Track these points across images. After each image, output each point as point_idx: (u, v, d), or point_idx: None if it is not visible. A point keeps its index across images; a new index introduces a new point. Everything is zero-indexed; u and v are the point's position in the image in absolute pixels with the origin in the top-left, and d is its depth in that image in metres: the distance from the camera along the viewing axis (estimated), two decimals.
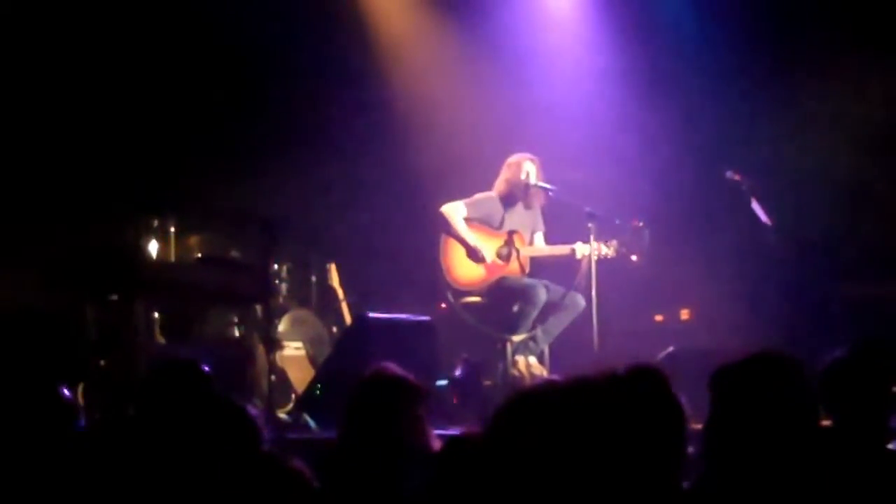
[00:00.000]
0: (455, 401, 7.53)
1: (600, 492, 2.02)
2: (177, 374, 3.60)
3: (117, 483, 3.24)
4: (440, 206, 8.19)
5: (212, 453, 3.24)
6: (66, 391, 3.59)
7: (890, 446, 3.67)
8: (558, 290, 7.99)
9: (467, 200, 8.23)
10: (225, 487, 3.16)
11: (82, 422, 4.26)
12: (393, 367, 4.55)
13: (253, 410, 3.85)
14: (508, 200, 8.27)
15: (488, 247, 8.19)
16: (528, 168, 8.18)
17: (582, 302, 7.88)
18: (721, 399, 3.14)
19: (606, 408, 2.81)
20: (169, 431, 3.32)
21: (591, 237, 7.82)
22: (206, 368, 3.66)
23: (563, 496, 1.99)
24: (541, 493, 1.98)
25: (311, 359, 8.32)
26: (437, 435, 4.79)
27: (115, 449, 3.39)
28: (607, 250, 7.89)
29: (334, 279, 8.88)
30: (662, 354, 7.29)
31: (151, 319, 7.63)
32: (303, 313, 8.64)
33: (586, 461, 2.02)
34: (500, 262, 8.21)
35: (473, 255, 8.13)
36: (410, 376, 4.49)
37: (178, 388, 3.54)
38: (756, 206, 7.96)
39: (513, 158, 8.27)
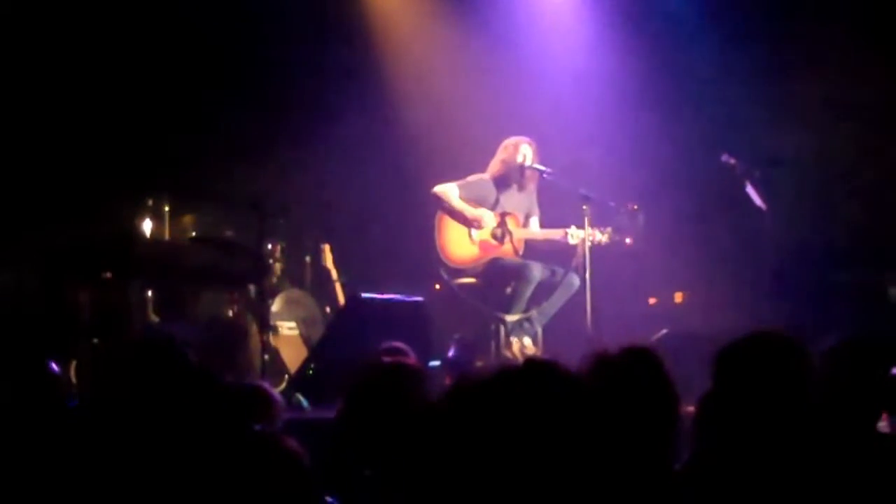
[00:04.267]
0: (448, 381, 7.52)
1: (593, 473, 2.01)
2: (153, 352, 3.57)
3: (107, 461, 3.24)
4: (432, 188, 8.19)
5: (200, 432, 3.24)
6: (55, 367, 3.59)
7: (880, 426, 3.69)
8: (554, 271, 7.99)
9: (460, 182, 8.23)
10: (217, 467, 3.16)
11: (75, 400, 4.26)
12: (399, 348, 4.55)
13: (268, 386, 3.86)
14: (503, 182, 8.26)
15: (482, 227, 8.19)
16: (524, 151, 8.17)
17: (577, 281, 7.88)
18: (725, 377, 3.16)
19: (600, 389, 2.82)
20: (154, 410, 3.31)
21: (586, 220, 7.81)
22: (183, 345, 3.62)
23: (556, 478, 1.99)
24: (534, 475, 1.98)
25: (305, 339, 8.33)
26: None
27: (106, 427, 3.38)
28: (601, 237, 7.88)
29: (328, 259, 8.88)
30: (655, 337, 7.30)
31: (145, 298, 7.63)
32: (296, 293, 8.64)
33: (579, 442, 2.02)
34: (493, 241, 8.21)
35: (475, 224, 8.11)
36: (413, 357, 4.49)
37: (155, 367, 3.52)
38: (751, 191, 7.96)
39: (510, 141, 8.26)
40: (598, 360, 3.01)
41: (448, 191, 8.17)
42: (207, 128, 8.99)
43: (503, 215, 8.24)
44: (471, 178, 8.28)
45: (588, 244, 7.74)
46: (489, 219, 8.17)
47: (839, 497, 3.12)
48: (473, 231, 8.18)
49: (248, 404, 3.84)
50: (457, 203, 8.15)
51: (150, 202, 7.88)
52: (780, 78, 9.02)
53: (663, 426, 2.97)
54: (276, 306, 8.33)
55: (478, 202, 8.22)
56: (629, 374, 3.01)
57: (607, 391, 2.88)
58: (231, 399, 3.60)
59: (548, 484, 1.97)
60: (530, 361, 2.09)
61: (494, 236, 8.21)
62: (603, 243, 7.88)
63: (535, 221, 8.39)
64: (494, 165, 8.28)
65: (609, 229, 7.89)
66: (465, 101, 9.23)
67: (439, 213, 8.18)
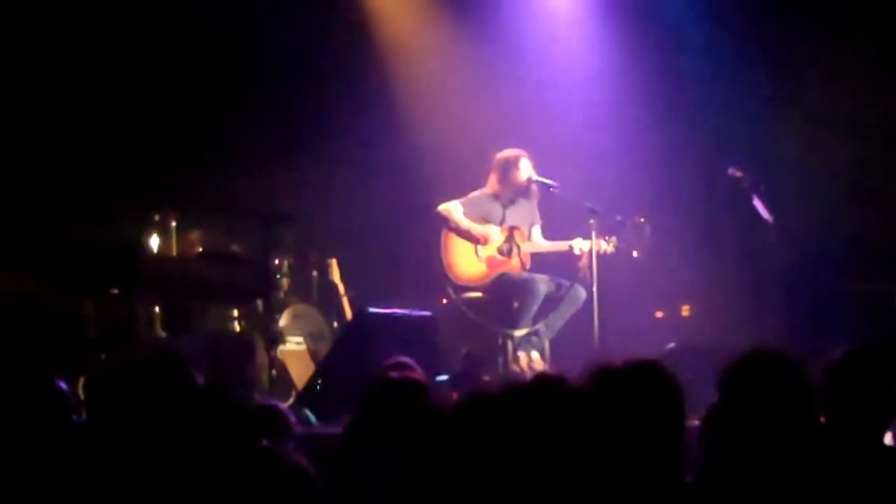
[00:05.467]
0: (455, 397, 7.51)
1: (602, 486, 2.01)
2: (160, 368, 3.56)
3: (115, 478, 3.24)
4: (437, 205, 8.18)
5: (208, 449, 3.23)
6: (62, 384, 3.58)
7: (886, 441, 3.68)
8: (560, 284, 7.99)
9: (462, 199, 8.22)
10: (225, 483, 3.16)
11: (82, 416, 4.26)
12: (406, 363, 4.54)
13: (281, 405, 3.85)
14: (507, 198, 8.25)
15: (489, 243, 8.18)
16: (525, 165, 8.15)
17: (583, 294, 7.87)
18: (730, 392, 3.16)
19: (607, 403, 2.81)
20: (161, 427, 3.30)
21: (593, 234, 7.81)
22: (190, 361, 3.60)
23: (565, 493, 1.99)
24: (542, 489, 1.98)
25: (312, 353, 8.32)
26: None
27: (114, 443, 3.38)
28: (607, 246, 7.89)
29: (335, 274, 8.88)
30: (663, 351, 7.28)
31: (152, 314, 7.63)
32: (304, 308, 8.64)
33: (588, 456, 2.02)
34: (500, 257, 8.20)
35: (482, 240, 8.11)
36: (420, 372, 4.48)
37: (162, 383, 3.50)
38: (757, 203, 7.96)
39: (508, 156, 8.20)
40: (606, 374, 3.01)
41: (452, 209, 8.16)
42: (214, 143, 9.00)
43: (511, 229, 8.23)
44: (473, 195, 8.26)
45: (594, 255, 7.74)
46: (496, 234, 8.17)
47: None
48: (480, 248, 8.17)
49: (261, 423, 3.83)
50: (463, 222, 8.14)
51: (157, 217, 7.88)
52: (787, 88, 9.02)
53: (671, 440, 2.96)
54: (283, 321, 8.34)
55: (483, 219, 8.21)
56: (637, 388, 3.00)
57: (615, 405, 2.88)
58: (241, 416, 3.59)
59: (556, 499, 1.97)
60: (539, 377, 2.09)
61: (500, 252, 8.21)
62: (609, 253, 7.88)
63: (537, 230, 8.38)
64: (496, 183, 8.23)
65: (614, 238, 7.90)
66: (472, 115, 9.23)
67: (444, 232, 8.17)
